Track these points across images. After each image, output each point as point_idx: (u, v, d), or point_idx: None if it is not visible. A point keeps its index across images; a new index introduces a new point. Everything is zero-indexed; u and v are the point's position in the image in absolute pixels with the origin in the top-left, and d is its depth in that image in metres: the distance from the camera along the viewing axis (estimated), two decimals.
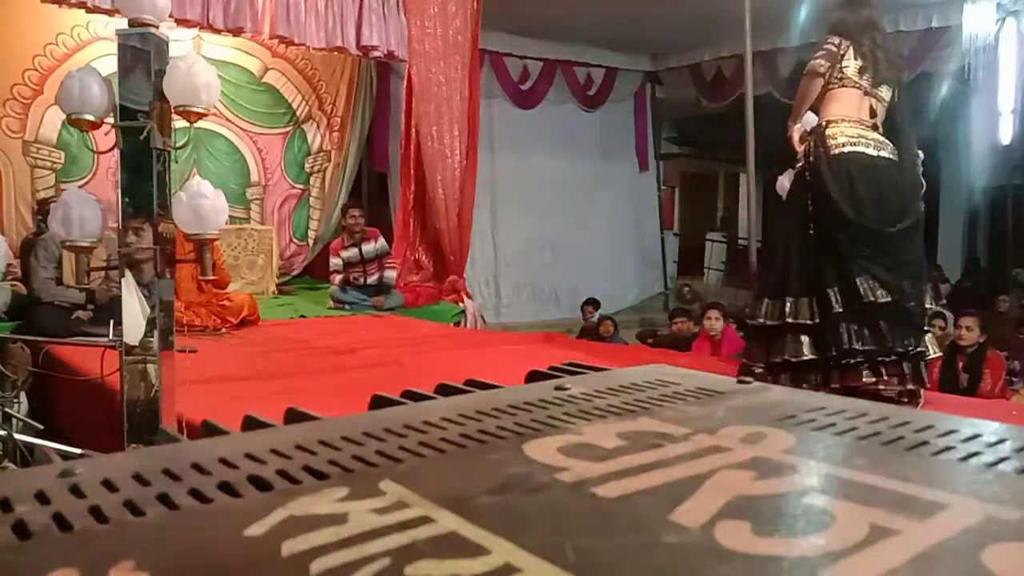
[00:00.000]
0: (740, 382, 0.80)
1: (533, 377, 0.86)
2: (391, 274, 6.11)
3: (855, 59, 3.20)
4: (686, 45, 8.71)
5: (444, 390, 0.80)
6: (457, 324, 5.99)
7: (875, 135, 3.18)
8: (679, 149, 12.66)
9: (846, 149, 3.11)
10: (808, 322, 3.09)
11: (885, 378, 3.03)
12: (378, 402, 0.76)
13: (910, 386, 3.08)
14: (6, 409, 2.71)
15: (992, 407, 3.59)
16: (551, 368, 0.90)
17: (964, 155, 9.72)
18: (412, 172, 6.56)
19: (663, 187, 10.66)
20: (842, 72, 3.19)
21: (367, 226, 6.10)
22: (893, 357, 3.03)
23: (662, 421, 0.66)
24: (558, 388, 0.77)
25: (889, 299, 3.00)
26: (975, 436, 0.61)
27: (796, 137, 3.29)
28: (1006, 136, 6.97)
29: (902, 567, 0.39)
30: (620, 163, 9.48)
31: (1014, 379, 5.55)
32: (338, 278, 5.98)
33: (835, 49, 3.18)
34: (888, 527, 0.43)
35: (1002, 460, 0.56)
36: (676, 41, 8.64)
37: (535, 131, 8.53)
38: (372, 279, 6.01)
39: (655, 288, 9.99)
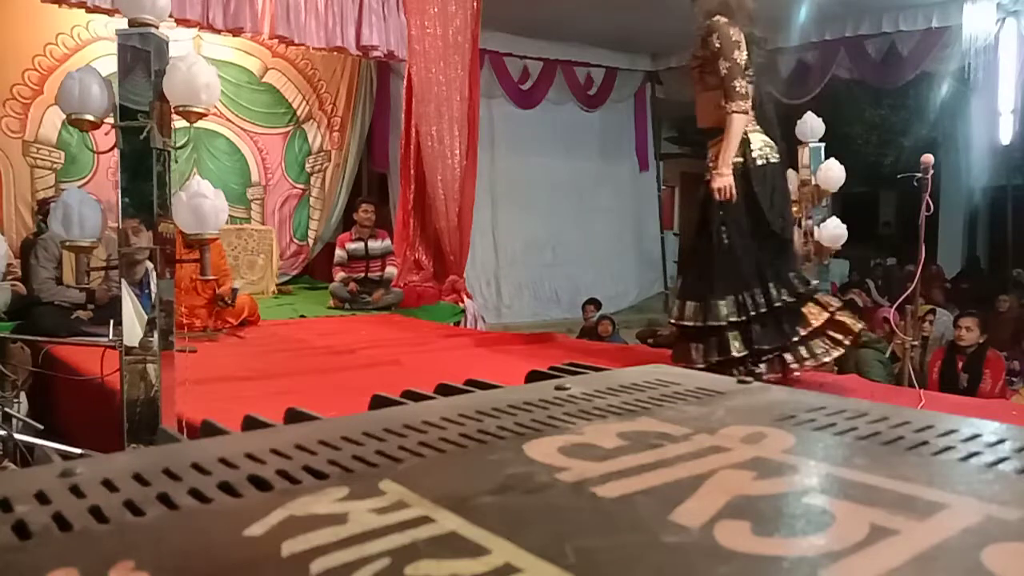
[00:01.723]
0: (740, 382, 0.80)
1: (533, 377, 0.86)
2: (391, 270, 6.13)
3: (745, 42, 3.10)
4: (686, 45, 8.69)
5: (444, 390, 0.80)
6: (457, 324, 5.99)
7: (770, 138, 3.19)
8: (679, 149, 12.66)
9: (772, 159, 3.14)
10: (737, 320, 3.11)
11: (778, 372, 3.12)
12: (378, 402, 0.76)
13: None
14: (6, 409, 2.71)
15: (992, 407, 3.59)
16: (551, 368, 0.90)
17: (964, 155, 9.72)
18: (412, 172, 6.55)
19: (663, 187, 10.66)
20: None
21: (377, 227, 6.13)
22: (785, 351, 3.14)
23: (662, 421, 0.66)
24: (558, 388, 0.77)
25: (791, 299, 3.11)
26: (975, 436, 0.61)
27: (728, 185, 3.07)
28: (1006, 136, 6.97)
29: (902, 567, 0.39)
30: (620, 163, 9.48)
31: (1014, 379, 5.55)
32: (340, 272, 6.00)
33: (739, 50, 3.05)
34: (888, 527, 0.43)
35: (1002, 460, 0.56)
36: (676, 41, 8.62)
37: (535, 131, 8.53)
38: (374, 275, 6.03)
39: (655, 288, 9.99)
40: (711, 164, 3.18)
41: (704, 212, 3.23)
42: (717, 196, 3.08)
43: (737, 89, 3.02)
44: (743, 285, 3.12)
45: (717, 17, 3.08)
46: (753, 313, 3.09)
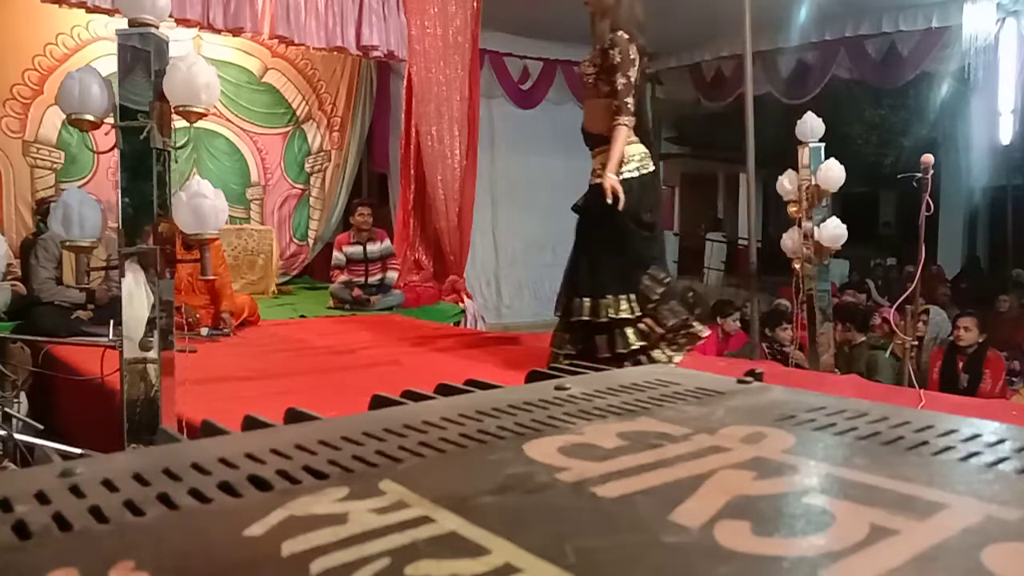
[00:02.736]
0: (740, 382, 0.80)
1: (533, 377, 0.86)
2: (392, 275, 6.11)
3: (639, 58, 3.28)
4: (686, 45, 8.69)
5: (444, 390, 0.81)
6: (457, 324, 5.99)
7: (645, 146, 3.38)
8: (679, 149, 12.66)
9: (649, 168, 3.35)
10: (631, 316, 3.26)
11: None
12: (378, 402, 0.76)
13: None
14: (6, 409, 2.71)
15: (992, 407, 3.59)
16: (551, 368, 0.90)
17: (964, 155, 9.72)
18: (412, 172, 6.55)
19: (663, 187, 10.66)
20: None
21: (375, 227, 6.11)
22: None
23: (662, 421, 0.66)
24: (558, 388, 0.77)
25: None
26: (975, 436, 0.61)
27: (616, 186, 3.24)
28: (1006, 136, 6.97)
29: (902, 567, 0.39)
30: None
31: (1014, 379, 5.55)
32: (339, 275, 5.97)
33: (634, 67, 3.23)
34: (888, 527, 0.43)
35: (1002, 460, 0.56)
36: (676, 41, 8.63)
37: (535, 131, 8.51)
38: (374, 279, 6.01)
39: None
40: (598, 171, 3.38)
41: (596, 215, 3.36)
42: (608, 198, 3.20)
43: (628, 105, 3.23)
44: (603, 284, 3.29)
45: (621, 33, 3.25)
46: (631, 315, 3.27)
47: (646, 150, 3.37)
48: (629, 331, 3.25)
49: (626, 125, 3.22)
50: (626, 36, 3.24)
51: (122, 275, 2.24)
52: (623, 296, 3.25)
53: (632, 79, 3.22)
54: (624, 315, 3.23)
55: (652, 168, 3.38)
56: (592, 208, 3.37)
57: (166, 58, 2.27)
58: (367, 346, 4.34)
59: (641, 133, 3.37)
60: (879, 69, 7.47)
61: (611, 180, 3.21)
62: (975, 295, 8.56)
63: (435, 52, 6.14)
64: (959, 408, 3.14)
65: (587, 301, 3.29)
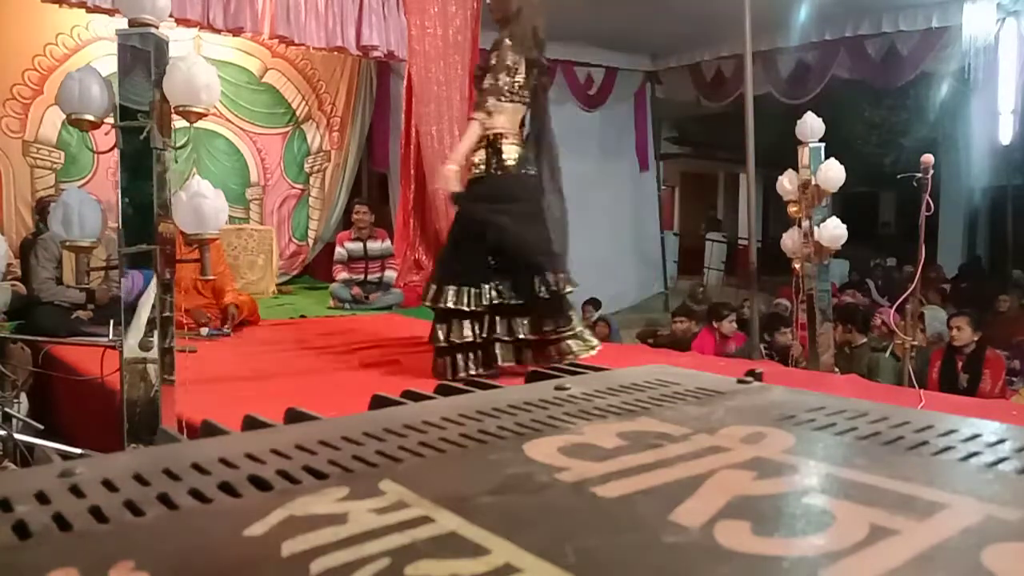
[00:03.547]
0: (740, 382, 0.80)
1: (533, 377, 0.86)
2: (391, 274, 6.12)
3: (528, 70, 3.35)
4: (686, 45, 8.70)
5: (444, 390, 0.81)
6: None
7: (533, 156, 3.41)
8: (679, 149, 12.66)
9: (526, 171, 3.36)
10: (469, 309, 3.30)
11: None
12: (378, 402, 0.76)
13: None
14: (6, 409, 2.71)
15: (992, 407, 3.58)
16: (551, 368, 0.90)
17: (964, 155, 9.71)
18: (412, 172, 6.55)
19: (663, 187, 10.67)
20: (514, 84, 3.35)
21: (375, 226, 6.12)
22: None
23: (662, 421, 0.66)
24: (558, 388, 0.77)
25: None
26: (975, 436, 0.61)
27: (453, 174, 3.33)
28: (1006, 136, 6.96)
29: (902, 567, 0.39)
30: (620, 163, 9.46)
31: (1014, 379, 5.55)
32: (341, 270, 5.98)
33: (508, 75, 3.30)
34: (888, 527, 0.43)
35: (1002, 460, 0.56)
36: (676, 41, 8.63)
37: None
38: (373, 277, 6.02)
39: (655, 288, 9.98)
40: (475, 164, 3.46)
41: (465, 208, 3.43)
42: (441, 184, 3.33)
43: (487, 104, 3.31)
44: (461, 276, 3.35)
45: (508, 41, 3.34)
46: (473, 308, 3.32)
47: (523, 153, 3.38)
48: (467, 323, 3.32)
49: (477, 120, 3.30)
50: (510, 44, 3.32)
51: (122, 275, 2.24)
52: (465, 288, 3.31)
53: (499, 84, 3.29)
54: (456, 306, 3.30)
55: (524, 171, 3.36)
56: (463, 200, 3.45)
57: (166, 58, 2.27)
58: (367, 346, 4.33)
59: (540, 142, 3.43)
60: (879, 69, 7.47)
61: (448, 169, 3.31)
62: (975, 295, 8.55)
63: (435, 52, 6.14)
64: (959, 408, 3.14)
65: (451, 288, 3.34)
